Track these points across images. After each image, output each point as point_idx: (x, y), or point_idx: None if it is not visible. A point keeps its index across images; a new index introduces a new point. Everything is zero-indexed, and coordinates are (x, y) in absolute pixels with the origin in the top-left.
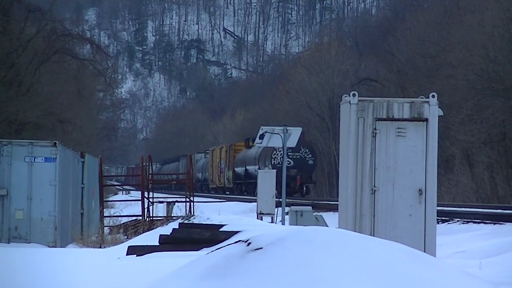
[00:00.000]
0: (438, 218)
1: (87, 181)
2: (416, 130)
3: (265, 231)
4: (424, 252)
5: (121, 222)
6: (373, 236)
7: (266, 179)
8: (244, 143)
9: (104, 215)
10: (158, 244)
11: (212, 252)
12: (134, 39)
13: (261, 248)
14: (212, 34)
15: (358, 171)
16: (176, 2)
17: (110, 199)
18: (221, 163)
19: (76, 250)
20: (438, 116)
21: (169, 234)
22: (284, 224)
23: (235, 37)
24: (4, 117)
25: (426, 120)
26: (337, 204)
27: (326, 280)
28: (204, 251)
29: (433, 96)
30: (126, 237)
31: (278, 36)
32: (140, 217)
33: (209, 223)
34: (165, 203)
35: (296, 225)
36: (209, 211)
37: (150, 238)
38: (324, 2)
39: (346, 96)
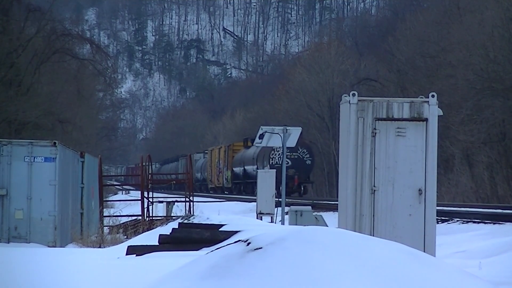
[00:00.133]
0: (438, 218)
1: (87, 181)
2: (416, 130)
3: (265, 231)
4: (424, 252)
5: (121, 222)
6: (373, 236)
7: (266, 179)
8: (243, 143)
9: (104, 215)
10: (157, 244)
11: (212, 252)
12: (134, 39)
13: (261, 248)
14: (212, 34)
15: (358, 171)
16: (176, 2)
17: (110, 199)
18: (220, 163)
19: (75, 250)
20: (438, 116)
21: (168, 234)
22: (283, 224)
23: (235, 37)
24: (4, 117)
25: (426, 120)
26: (337, 204)
27: (326, 280)
28: (204, 251)
29: (432, 96)
30: (125, 237)
31: (278, 36)
32: (140, 217)
33: (209, 223)
34: (165, 203)
35: (296, 225)
36: (208, 211)
37: (150, 238)
38: (324, 2)
39: (346, 96)
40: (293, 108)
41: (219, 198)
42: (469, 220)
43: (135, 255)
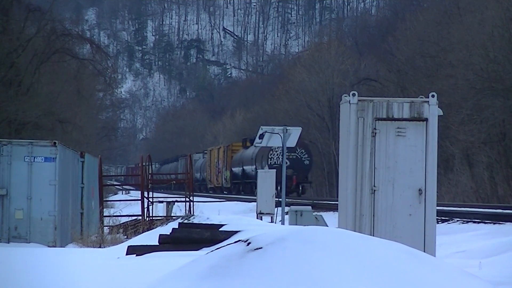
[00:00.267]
0: (438, 218)
1: (87, 181)
2: (416, 130)
3: (265, 231)
4: (424, 252)
5: (121, 222)
6: (373, 236)
7: (266, 179)
8: (242, 143)
9: (104, 215)
10: (157, 244)
11: (212, 252)
12: (134, 39)
13: (261, 248)
14: (212, 34)
15: (358, 171)
16: (176, 2)
17: (110, 199)
18: (219, 163)
19: (75, 250)
20: (438, 116)
21: (168, 234)
22: (284, 224)
23: (235, 37)
24: (4, 117)
25: (426, 120)
26: (337, 204)
27: (326, 280)
28: (204, 251)
29: (432, 96)
30: (125, 237)
31: (278, 36)
32: (140, 217)
33: (209, 223)
34: (165, 203)
35: (296, 225)
36: (208, 211)
37: (150, 238)
38: (324, 2)
39: (346, 96)
40: (293, 108)
41: (219, 198)
42: (469, 220)
43: (135, 255)
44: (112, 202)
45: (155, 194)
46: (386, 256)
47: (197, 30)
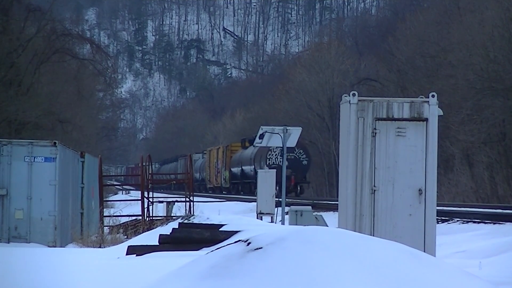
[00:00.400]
0: (438, 218)
1: (87, 181)
2: (416, 130)
3: (265, 231)
4: (424, 252)
5: (121, 222)
6: (373, 236)
7: (266, 179)
8: (241, 143)
9: (104, 215)
10: (158, 244)
11: (212, 252)
12: (134, 39)
13: (261, 248)
14: (212, 34)
15: (358, 171)
16: (176, 2)
17: (110, 199)
18: (218, 163)
19: (76, 250)
20: (438, 116)
21: (169, 234)
22: (284, 224)
23: (235, 37)
24: (4, 117)
25: (426, 120)
26: (337, 204)
27: (326, 280)
28: (204, 251)
29: (433, 96)
30: (126, 237)
31: (278, 36)
32: (140, 217)
33: (209, 223)
34: (165, 203)
35: (296, 225)
36: (208, 211)
37: (150, 238)
38: (324, 2)
39: (346, 96)
40: (293, 108)
41: (219, 198)
42: (469, 220)
43: (135, 255)
44: (112, 202)
45: (155, 194)
46: (386, 256)
47: (197, 30)
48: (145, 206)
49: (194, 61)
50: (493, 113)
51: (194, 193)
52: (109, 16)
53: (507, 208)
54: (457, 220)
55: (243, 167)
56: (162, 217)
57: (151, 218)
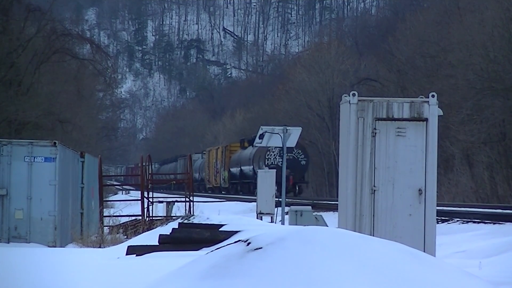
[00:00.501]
0: (438, 218)
1: (87, 181)
2: (416, 130)
3: (265, 231)
4: (424, 252)
5: (121, 222)
6: (373, 236)
7: (266, 179)
8: (239, 144)
9: (104, 215)
10: (157, 244)
11: (212, 252)
12: (134, 39)
13: (261, 248)
14: (212, 34)
15: (358, 171)
16: (176, 2)
17: (110, 199)
18: (217, 163)
19: (75, 250)
20: (438, 116)
21: (168, 234)
22: (283, 224)
23: (235, 37)
24: (4, 117)
25: (426, 120)
26: (337, 204)
27: (326, 280)
28: (204, 251)
29: (432, 96)
30: (125, 237)
31: (278, 36)
32: (140, 217)
33: (209, 223)
34: (165, 203)
35: (296, 225)
36: (208, 211)
37: (150, 238)
38: (324, 2)
39: (346, 96)
40: (293, 108)
41: (219, 198)
42: (469, 220)
43: (135, 255)
44: (112, 202)
45: (155, 194)
46: (386, 256)
47: (197, 30)
48: (145, 206)
49: (194, 61)
50: (493, 113)
51: (194, 193)
52: (109, 16)
53: (507, 208)
54: (457, 220)
55: (242, 167)
56: (162, 217)
57: (151, 218)
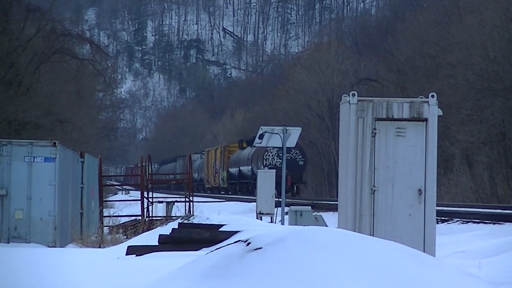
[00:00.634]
0: (437, 218)
1: (87, 181)
2: (416, 130)
3: (265, 231)
4: (424, 252)
5: (121, 222)
6: (373, 236)
7: (266, 179)
8: (238, 144)
9: (104, 215)
10: (157, 244)
11: (212, 252)
12: (133, 39)
13: (261, 248)
14: (212, 34)
15: (358, 171)
16: (175, 2)
17: (110, 199)
18: (216, 163)
19: (75, 250)
20: (438, 116)
21: (168, 234)
22: (283, 224)
23: (235, 37)
24: (4, 117)
25: (426, 120)
26: (337, 204)
27: (325, 280)
28: (204, 251)
29: (432, 96)
30: (125, 237)
31: (277, 36)
32: (140, 217)
33: (209, 223)
34: (165, 203)
35: (296, 225)
36: (208, 211)
37: (150, 238)
38: (324, 2)
39: (345, 96)
40: (293, 108)
41: (219, 198)
42: (469, 220)
43: (135, 255)
44: (112, 202)
45: (155, 194)
46: (386, 256)
47: (197, 30)
48: (145, 206)
49: (193, 61)
50: (493, 113)
51: (194, 194)
52: (109, 16)
53: (507, 208)
54: (457, 220)
55: (240, 168)
56: (162, 217)
57: (150, 218)
